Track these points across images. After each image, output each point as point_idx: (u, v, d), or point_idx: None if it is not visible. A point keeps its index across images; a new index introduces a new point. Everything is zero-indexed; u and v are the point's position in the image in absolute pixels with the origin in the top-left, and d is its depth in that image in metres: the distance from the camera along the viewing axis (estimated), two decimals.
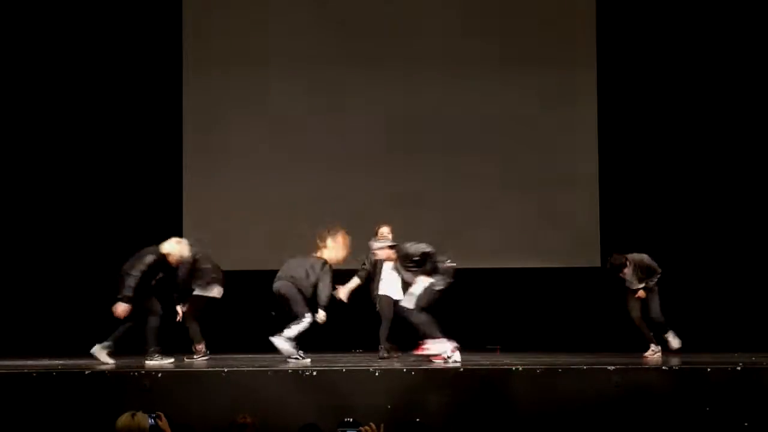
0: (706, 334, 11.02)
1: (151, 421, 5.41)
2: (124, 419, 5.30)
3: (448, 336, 9.05)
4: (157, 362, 9.32)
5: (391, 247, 9.30)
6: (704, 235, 12.22)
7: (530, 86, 12.38)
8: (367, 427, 5.52)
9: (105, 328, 11.88)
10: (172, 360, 9.45)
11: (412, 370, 8.36)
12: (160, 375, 8.23)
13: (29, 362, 9.45)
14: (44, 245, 12.26)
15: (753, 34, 12.31)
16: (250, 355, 10.28)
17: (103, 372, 8.33)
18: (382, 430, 5.58)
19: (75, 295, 12.09)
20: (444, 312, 10.25)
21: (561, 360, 9.70)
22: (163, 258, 9.55)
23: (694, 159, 12.36)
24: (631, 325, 10.59)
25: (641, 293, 10.01)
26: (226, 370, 8.46)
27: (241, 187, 12.29)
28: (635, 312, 10.05)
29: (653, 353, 9.94)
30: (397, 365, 8.83)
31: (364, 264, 9.89)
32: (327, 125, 12.35)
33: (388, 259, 9.36)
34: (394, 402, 7.99)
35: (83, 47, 12.38)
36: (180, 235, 12.12)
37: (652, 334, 10.02)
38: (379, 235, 9.80)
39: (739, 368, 8.27)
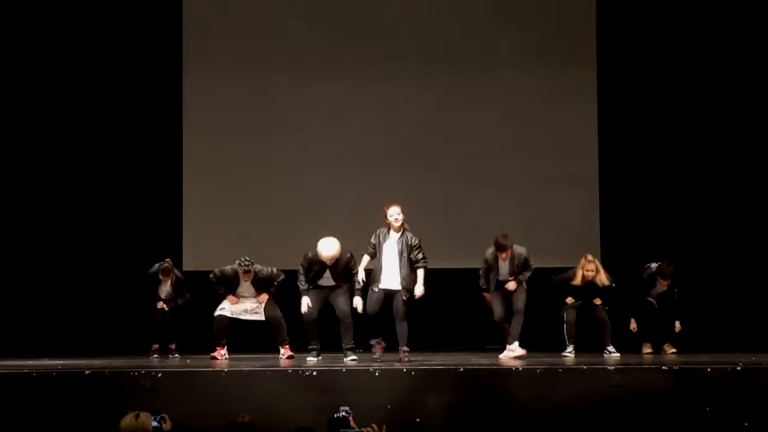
0: (706, 334, 11.02)
1: (155, 423, 5.39)
2: (127, 420, 5.29)
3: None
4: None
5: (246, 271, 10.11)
6: (704, 235, 12.21)
7: (530, 86, 12.37)
8: (369, 429, 5.51)
9: (104, 328, 11.94)
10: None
11: (412, 370, 8.38)
12: (160, 375, 8.24)
13: (29, 362, 9.46)
14: (44, 245, 12.24)
15: (753, 34, 12.31)
16: (250, 355, 10.29)
17: (103, 372, 8.34)
18: (384, 431, 5.57)
19: (75, 295, 12.08)
20: (444, 312, 10.28)
21: (561, 360, 9.71)
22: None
23: (695, 159, 12.35)
24: (630, 324, 10.62)
25: (511, 285, 9.97)
26: (225, 370, 8.48)
27: (241, 187, 12.28)
28: (500, 311, 9.97)
29: (509, 353, 9.86)
30: (397, 365, 8.84)
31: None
32: (327, 125, 12.34)
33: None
34: (394, 402, 8.00)
35: (83, 47, 12.35)
36: (180, 235, 12.17)
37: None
38: (387, 216, 9.66)
39: (739, 368, 8.28)
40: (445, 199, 12.20)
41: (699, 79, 12.36)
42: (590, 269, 10.35)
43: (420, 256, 9.55)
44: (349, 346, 9.68)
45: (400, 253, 9.54)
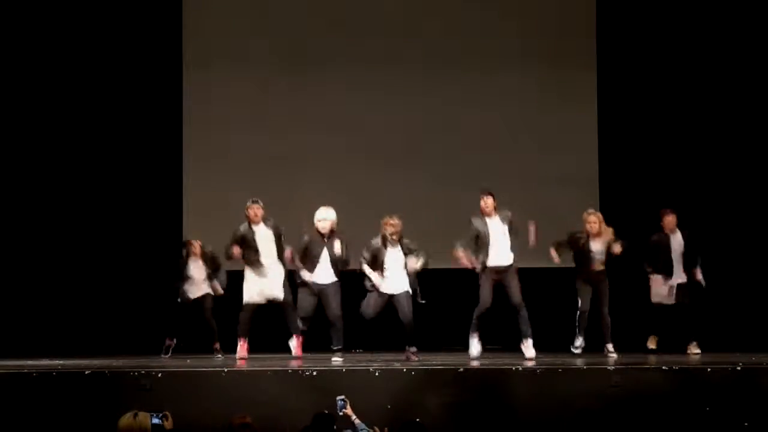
0: (706, 334, 11.01)
1: (157, 420, 5.40)
2: (126, 419, 5.30)
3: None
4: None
5: None
6: (704, 235, 12.20)
7: (530, 86, 12.38)
8: (371, 431, 5.52)
9: (104, 328, 11.94)
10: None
11: (412, 370, 8.38)
12: (160, 375, 8.24)
13: (29, 362, 9.46)
14: (44, 245, 12.24)
15: (753, 33, 12.31)
16: (250, 355, 10.28)
17: (103, 372, 8.34)
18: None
19: (75, 295, 12.09)
20: (444, 312, 10.27)
21: (561, 360, 9.71)
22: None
23: (695, 159, 12.36)
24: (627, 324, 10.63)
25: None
26: (226, 370, 8.48)
27: (241, 187, 12.27)
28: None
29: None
30: (397, 365, 8.84)
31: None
32: (326, 125, 12.35)
33: None
34: (394, 402, 8.00)
35: (83, 47, 12.37)
36: (180, 234, 12.16)
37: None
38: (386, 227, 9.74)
39: (739, 368, 8.29)
40: (444, 198, 12.19)
41: (699, 79, 12.37)
42: (592, 221, 10.19)
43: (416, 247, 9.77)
44: (337, 348, 9.70)
45: (405, 254, 9.72)
